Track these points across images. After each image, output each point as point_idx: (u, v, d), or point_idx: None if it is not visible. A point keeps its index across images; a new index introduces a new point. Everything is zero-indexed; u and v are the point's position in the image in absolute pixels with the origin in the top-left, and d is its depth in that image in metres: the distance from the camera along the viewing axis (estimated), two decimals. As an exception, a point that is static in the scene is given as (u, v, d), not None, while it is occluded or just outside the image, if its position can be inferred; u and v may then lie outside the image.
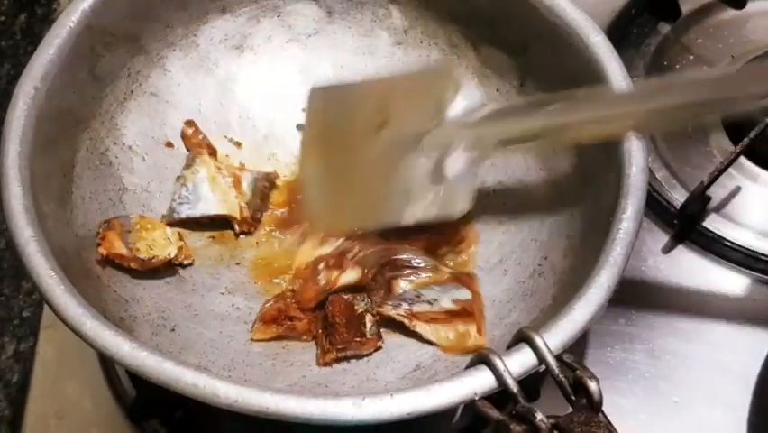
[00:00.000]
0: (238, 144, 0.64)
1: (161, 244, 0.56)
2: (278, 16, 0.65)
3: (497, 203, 0.60)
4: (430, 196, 0.55)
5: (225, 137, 0.63)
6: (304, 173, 0.61)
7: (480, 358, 0.42)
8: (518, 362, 0.42)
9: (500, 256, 0.58)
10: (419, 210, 0.55)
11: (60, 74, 0.53)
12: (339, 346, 0.54)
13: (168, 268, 0.56)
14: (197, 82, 0.63)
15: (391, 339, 0.55)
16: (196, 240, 0.60)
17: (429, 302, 0.55)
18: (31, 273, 0.45)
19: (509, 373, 0.41)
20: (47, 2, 0.72)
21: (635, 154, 0.50)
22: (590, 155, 0.55)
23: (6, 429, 0.66)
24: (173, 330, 0.54)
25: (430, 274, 0.57)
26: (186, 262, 0.57)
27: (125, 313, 0.52)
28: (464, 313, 0.54)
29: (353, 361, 0.54)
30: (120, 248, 0.54)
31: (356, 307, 0.55)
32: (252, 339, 0.55)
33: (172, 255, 0.56)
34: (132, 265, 0.55)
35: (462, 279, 0.56)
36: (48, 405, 0.58)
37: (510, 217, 0.59)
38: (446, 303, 0.55)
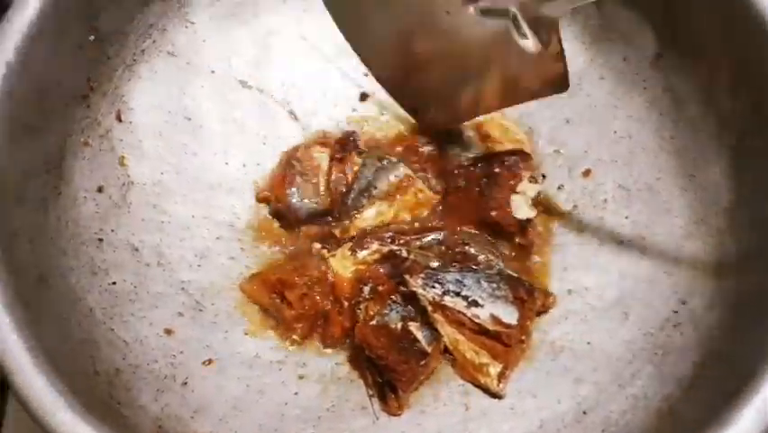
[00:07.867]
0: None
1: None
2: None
3: (616, 217, 0.47)
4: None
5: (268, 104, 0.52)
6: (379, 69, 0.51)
7: None
8: None
9: (619, 292, 0.45)
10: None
11: (44, 39, 0.42)
12: (403, 380, 0.42)
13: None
14: (229, 38, 0.52)
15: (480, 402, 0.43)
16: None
17: (467, 300, 0.43)
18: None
19: None
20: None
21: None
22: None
23: None
24: (185, 384, 0.42)
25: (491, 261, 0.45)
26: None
27: (123, 362, 0.41)
28: (498, 341, 0.43)
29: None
30: None
31: (390, 323, 0.43)
32: (240, 286, 0.46)
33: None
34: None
35: (520, 292, 0.43)
36: None
37: (635, 239, 0.46)
38: (484, 315, 0.43)
